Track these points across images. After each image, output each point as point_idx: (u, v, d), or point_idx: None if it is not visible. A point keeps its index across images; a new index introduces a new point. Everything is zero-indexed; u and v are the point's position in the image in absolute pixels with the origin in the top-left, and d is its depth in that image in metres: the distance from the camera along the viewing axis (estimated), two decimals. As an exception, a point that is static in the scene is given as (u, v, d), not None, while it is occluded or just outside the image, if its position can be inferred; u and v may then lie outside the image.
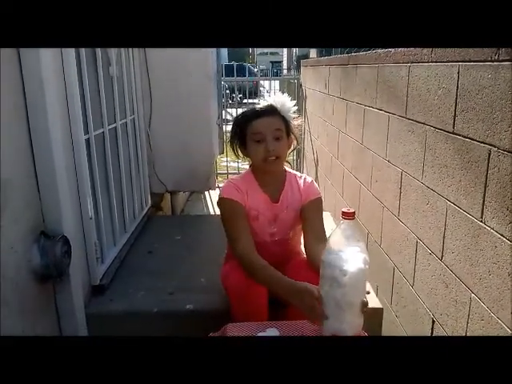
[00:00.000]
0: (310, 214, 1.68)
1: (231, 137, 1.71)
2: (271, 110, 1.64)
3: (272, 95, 1.70)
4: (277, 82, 7.95)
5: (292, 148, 1.74)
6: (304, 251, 1.70)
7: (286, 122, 1.65)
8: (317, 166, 3.86)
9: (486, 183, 1.17)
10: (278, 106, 1.65)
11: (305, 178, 1.74)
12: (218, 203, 1.67)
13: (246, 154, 1.70)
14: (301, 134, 3.64)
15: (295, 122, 1.69)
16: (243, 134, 1.65)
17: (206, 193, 4.70)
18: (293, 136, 1.69)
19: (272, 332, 1.33)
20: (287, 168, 1.77)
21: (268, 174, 1.68)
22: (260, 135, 1.59)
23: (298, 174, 1.78)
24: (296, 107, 1.69)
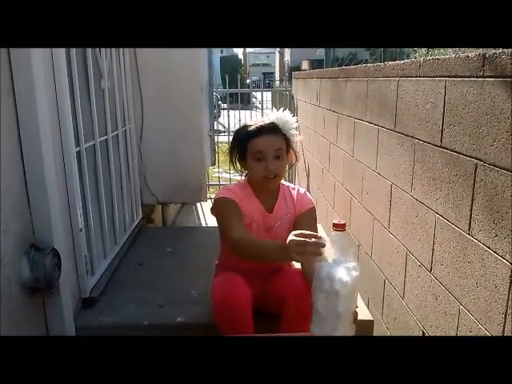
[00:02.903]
0: (303, 225, 1.67)
1: (231, 149, 1.72)
2: (273, 129, 1.63)
3: (275, 111, 1.68)
4: (269, 94, 8.00)
5: (292, 164, 1.75)
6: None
7: (286, 140, 1.64)
8: (308, 177, 3.88)
9: (473, 196, 1.19)
10: (281, 123, 1.64)
11: (298, 190, 1.75)
12: (213, 207, 1.67)
13: (245, 168, 1.70)
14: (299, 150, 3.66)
15: (296, 139, 1.69)
16: (244, 149, 1.64)
17: (198, 204, 4.69)
18: (292, 152, 1.69)
19: None
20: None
21: (265, 187, 1.69)
22: (261, 154, 1.59)
23: (292, 185, 1.80)
24: (297, 124, 1.67)
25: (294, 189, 1.76)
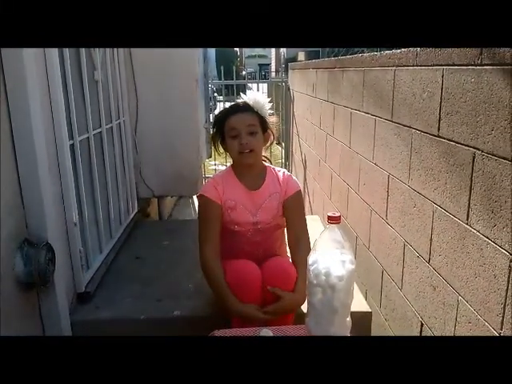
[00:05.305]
0: (290, 211, 1.79)
1: (213, 134, 1.82)
2: (245, 107, 1.75)
3: (248, 93, 1.80)
4: (265, 85, 7.95)
5: (269, 143, 1.85)
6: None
7: (261, 118, 1.74)
8: (305, 168, 3.87)
9: (471, 186, 1.17)
10: (251, 102, 1.75)
11: (284, 172, 1.85)
12: (197, 199, 1.79)
13: (227, 150, 1.80)
14: (278, 130, 3.78)
15: (271, 119, 1.80)
16: (222, 131, 1.75)
17: (194, 197, 4.67)
18: (269, 131, 1.79)
19: (265, 333, 1.33)
20: (267, 164, 1.88)
21: (246, 168, 1.76)
22: (235, 131, 1.69)
23: (277, 168, 1.89)
24: (270, 104, 1.79)
25: (279, 171, 1.85)
